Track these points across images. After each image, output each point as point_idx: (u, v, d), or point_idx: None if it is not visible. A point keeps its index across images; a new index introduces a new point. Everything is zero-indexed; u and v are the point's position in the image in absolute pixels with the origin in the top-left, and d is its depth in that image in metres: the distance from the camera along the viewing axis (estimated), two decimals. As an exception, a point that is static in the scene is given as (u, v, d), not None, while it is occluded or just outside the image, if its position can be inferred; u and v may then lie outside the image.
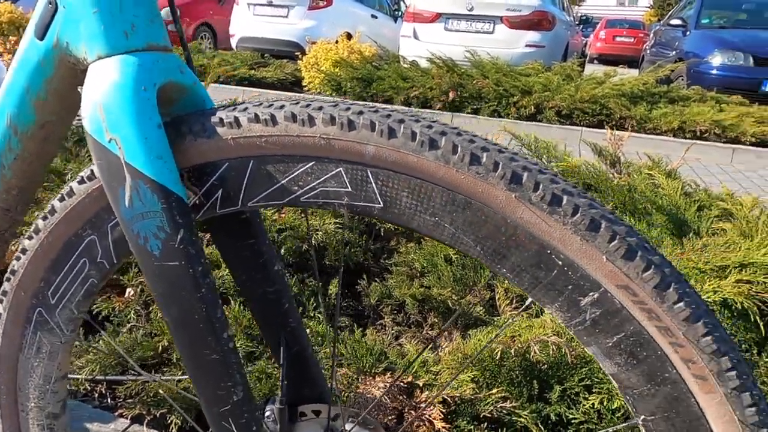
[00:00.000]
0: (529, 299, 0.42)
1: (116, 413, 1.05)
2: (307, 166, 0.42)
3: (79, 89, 0.44)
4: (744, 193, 1.92)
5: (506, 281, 1.38)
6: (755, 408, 0.38)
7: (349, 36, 7.35)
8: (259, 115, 0.42)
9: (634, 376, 0.40)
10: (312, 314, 1.30)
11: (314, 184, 0.43)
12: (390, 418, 0.95)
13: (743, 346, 1.28)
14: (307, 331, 0.63)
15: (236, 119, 0.42)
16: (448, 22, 6.20)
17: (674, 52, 7.02)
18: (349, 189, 0.42)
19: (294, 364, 0.58)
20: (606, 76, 5.14)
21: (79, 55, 0.44)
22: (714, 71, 5.98)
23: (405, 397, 1.00)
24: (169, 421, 1.01)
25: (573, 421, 0.98)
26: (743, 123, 4.33)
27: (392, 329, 1.33)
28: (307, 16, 7.70)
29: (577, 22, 9.23)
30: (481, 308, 1.33)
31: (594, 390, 0.99)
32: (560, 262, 0.39)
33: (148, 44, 0.44)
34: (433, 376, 1.03)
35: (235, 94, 5.44)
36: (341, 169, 0.41)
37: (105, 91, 0.42)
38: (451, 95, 4.90)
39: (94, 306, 1.28)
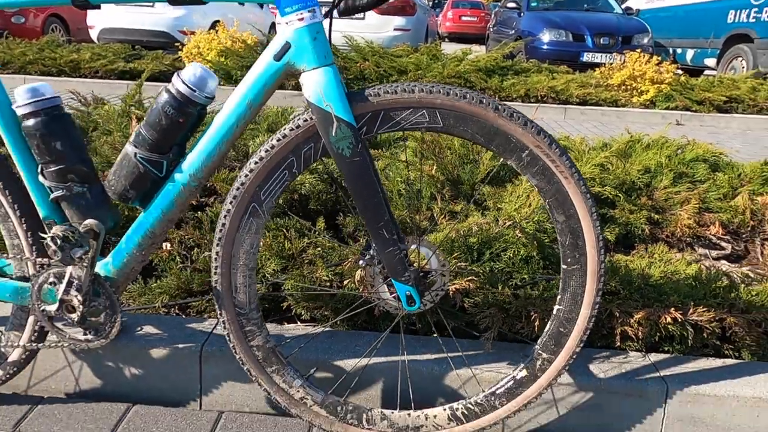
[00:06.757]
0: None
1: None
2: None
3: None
4: (575, 137, 2.83)
5: (441, 203, 2.01)
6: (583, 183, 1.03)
7: (213, 26, 7.39)
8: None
9: (541, 183, 1.03)
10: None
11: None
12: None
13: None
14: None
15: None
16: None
17: (513, 31, 8.28)
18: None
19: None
20: (464, 54, 6.06)
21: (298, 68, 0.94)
22: (545, 46, 7.28)
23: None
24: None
25: (503, 270, 1.64)
26: (570, 87, 5.52)
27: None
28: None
29: (430, 5, 10.23)
30: (426, 222, 1.94)
31: (507, 251, 1.66)
32: (510, 139, 1.00)
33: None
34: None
35: (122, 90, 5.37)
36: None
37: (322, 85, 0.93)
38: (338, 78, 5.43)
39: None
